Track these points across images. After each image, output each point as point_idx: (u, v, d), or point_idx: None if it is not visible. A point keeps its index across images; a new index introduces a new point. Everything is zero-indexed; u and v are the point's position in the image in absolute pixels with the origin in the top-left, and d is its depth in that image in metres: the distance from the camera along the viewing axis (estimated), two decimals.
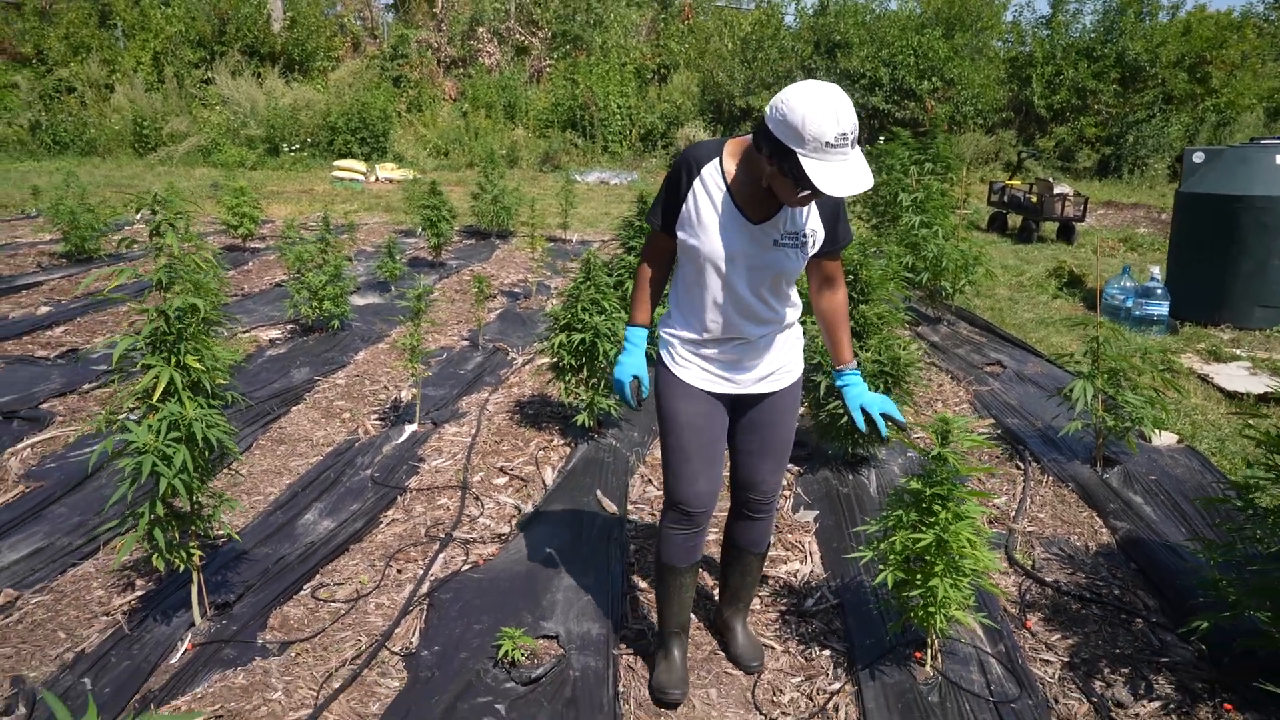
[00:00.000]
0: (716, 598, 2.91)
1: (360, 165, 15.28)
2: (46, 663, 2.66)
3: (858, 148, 2.01)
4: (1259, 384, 5.24)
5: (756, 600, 3.05)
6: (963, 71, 17.44)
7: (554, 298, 7.35)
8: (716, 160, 2.23)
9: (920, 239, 6.56)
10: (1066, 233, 10.52)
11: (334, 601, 3.01)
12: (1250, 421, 2.88)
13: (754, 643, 2.76)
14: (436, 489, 3.83)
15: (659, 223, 2.34)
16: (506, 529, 3.49)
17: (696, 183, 2.24)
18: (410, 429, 4.37)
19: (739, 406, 2.47)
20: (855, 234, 4.32)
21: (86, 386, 5.02)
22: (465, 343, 5.99)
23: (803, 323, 2.64)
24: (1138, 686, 2.63)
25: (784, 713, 2.52)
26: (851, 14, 18.17)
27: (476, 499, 3.73)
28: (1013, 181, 12.13)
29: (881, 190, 8.31)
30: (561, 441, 4.32)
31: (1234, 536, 2.67)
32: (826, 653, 2.78)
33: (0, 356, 5.49)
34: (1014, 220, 11.24)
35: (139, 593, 3.03)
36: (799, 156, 1.96)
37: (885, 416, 2.38)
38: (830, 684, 2.63)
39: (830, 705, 2.54)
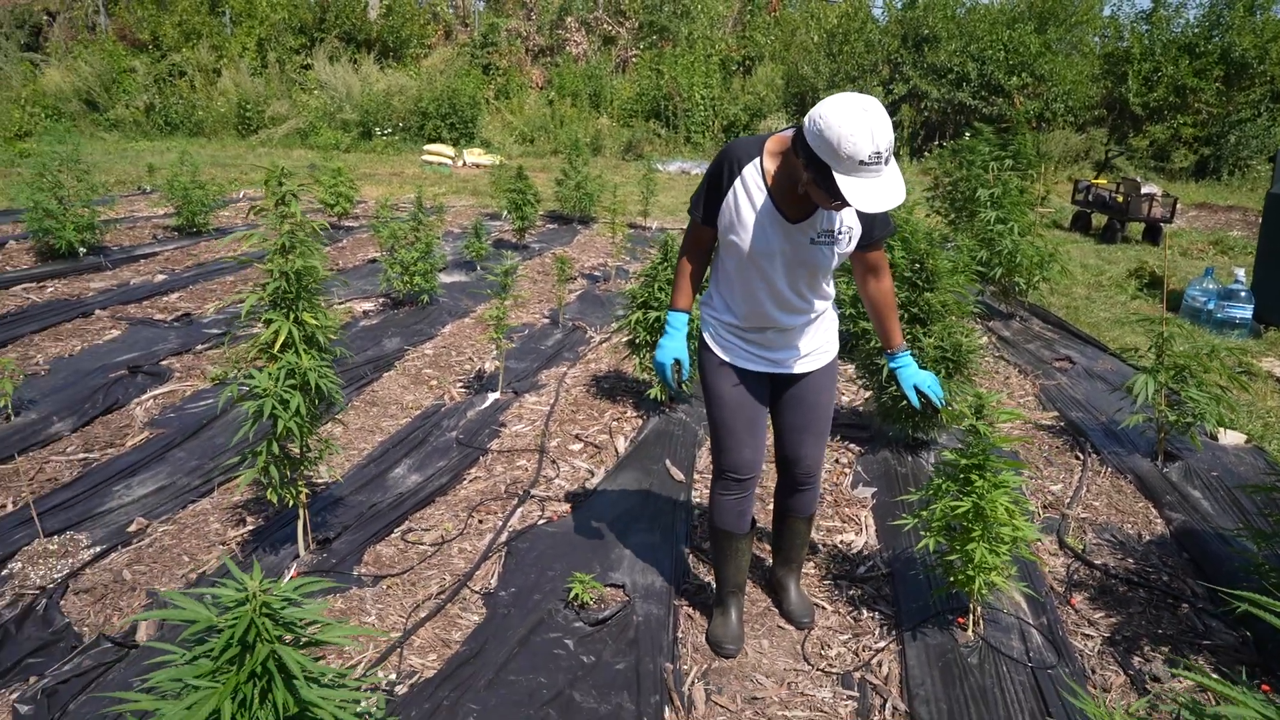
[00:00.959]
0: (770, 561, 3.11)
1: (449, 150, 15.79)
2: (174, 580, 3.02)
3: (893, 161, 2.07)
4: None
5: (810, 565, 3.24)
6: (1054, 67, 17.05)
7: (632, 281, 7.60)
8: (757, 160, 2.32)
9: (995, 234, 6.59)
10: (1153, 234, 10.30)
11: (421, 544, 3.31)
12: None
13: (805, 601, 2.95)
14: (516, 451, 4.12)
15: (700, 214, 2.46)
16: (580, 490, 3.75)
17: (738, 182, 2.33)
18: (493, 397, 4.67)
19: (778, 385, 2.62)
20: (929, 227, 4.43)
21: (200, 347, 5.47)
22: (546, 320, 6.28)
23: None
24: (1176, 664, 2.74)
25: (830, 665, 2.71)
26: (941, 7, 17.90)
27: (553, 462, 4.00)
28: (1099, 180, 11.88)
29: (960, 185, 8.32)
30: (634, 414, 4.56)
31: None
32: (874, 615, 2.95)
33: (124, 318, 5.99)
34: (1098, 220, 11.04)
35: (249, 528, 3.38)
36: (834, 172, 2.02)
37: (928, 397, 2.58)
38: (876, 642, 2.81)
39: (874, 661, 2.72)
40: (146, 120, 18.59)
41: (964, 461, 2.61)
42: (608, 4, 22.17)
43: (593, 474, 3.90)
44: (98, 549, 3.18)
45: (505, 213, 9.49)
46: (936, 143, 17.33)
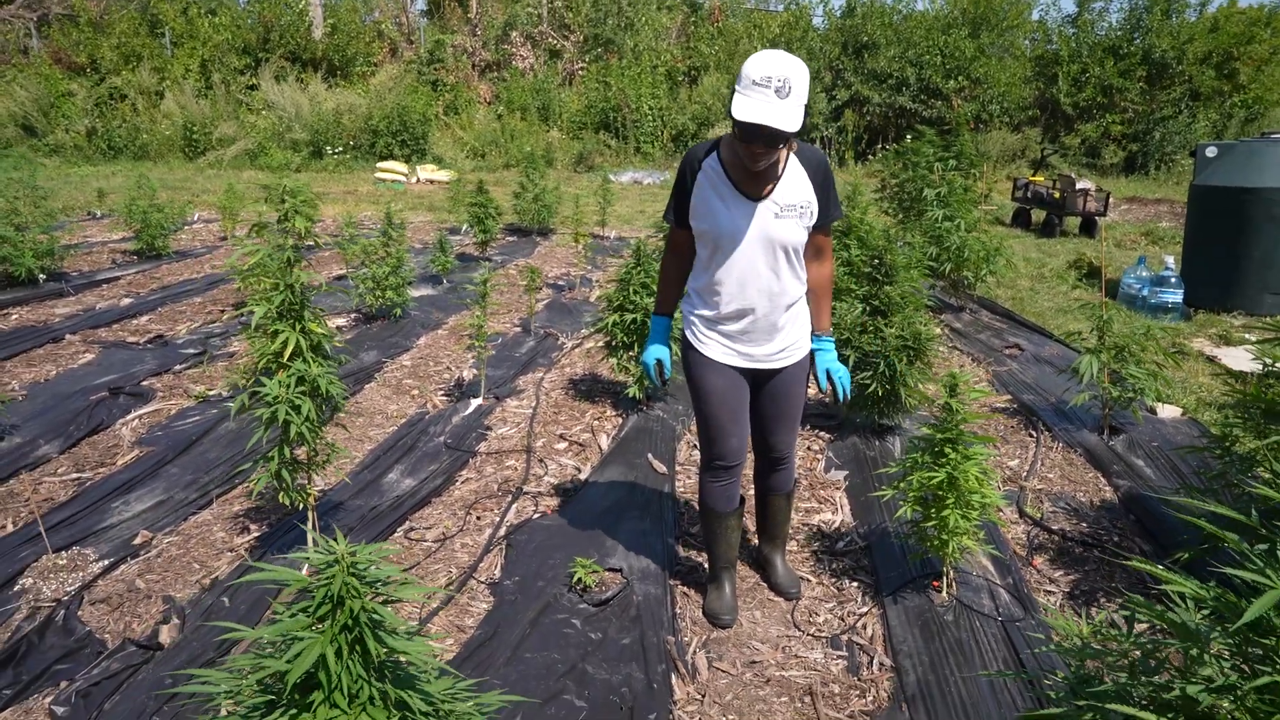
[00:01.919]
0: (755, 541, 3.31)
1: (402, 167, 15.83)
2: (188, 586, 3.13)
3: (791, 101, 2.25)
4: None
5: (793, 543, 3.46)
6: (989, 70, 17.68)
7: (596, 289, 7.78)
8: (714, 153, 2.56)
9: (943, 231, 6.91)
10: (1088, 227, 10.80)
11: (424, 541, 3.45)
12: (1229, 382, 3.23)
13: (791, 573, 3.16)
14: (504, 453, 4.28)
15: (673, 218, 2.67)
16: (570, 485, 3.93)
17: (700, 175, 2.56)
18: (476, 403, 4.82)
19: (757, 379, 2.78)
20: (881, 226, 4.68)
21: (178, 367, 5.52)
22: (518, 329, 6.45)
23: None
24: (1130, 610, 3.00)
25: (819, 630, 2.92)
26: (878, 15, 18.46)
27: (540, 461, 4.17)
28: (1036, 178, 12.39)
29: (907, 186, 8.67)
30: (614, 413, 4.75)
31: (1215, 482, 3.04)
32: (855, 584, 3.18)
33: (96, 342, 6.01)
34: (1038, 215, 11.52)
35: (254, 534, 3.49)
36: (732, 95, 2.31)
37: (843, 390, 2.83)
38: (859, 608, 3.04)
39: (859, 624, 2.94)
40: (88, 145, 18.30)
41: (939, 436, 2.85)
42: (552, 18, 22.39)
43: (580, 470, 4.08)
44: (107, 562, 3.27)
45: (465, 227, 9.62)
46: (880, 146, 17.85)
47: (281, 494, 3.04)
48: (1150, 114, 17.74)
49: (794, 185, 2.53)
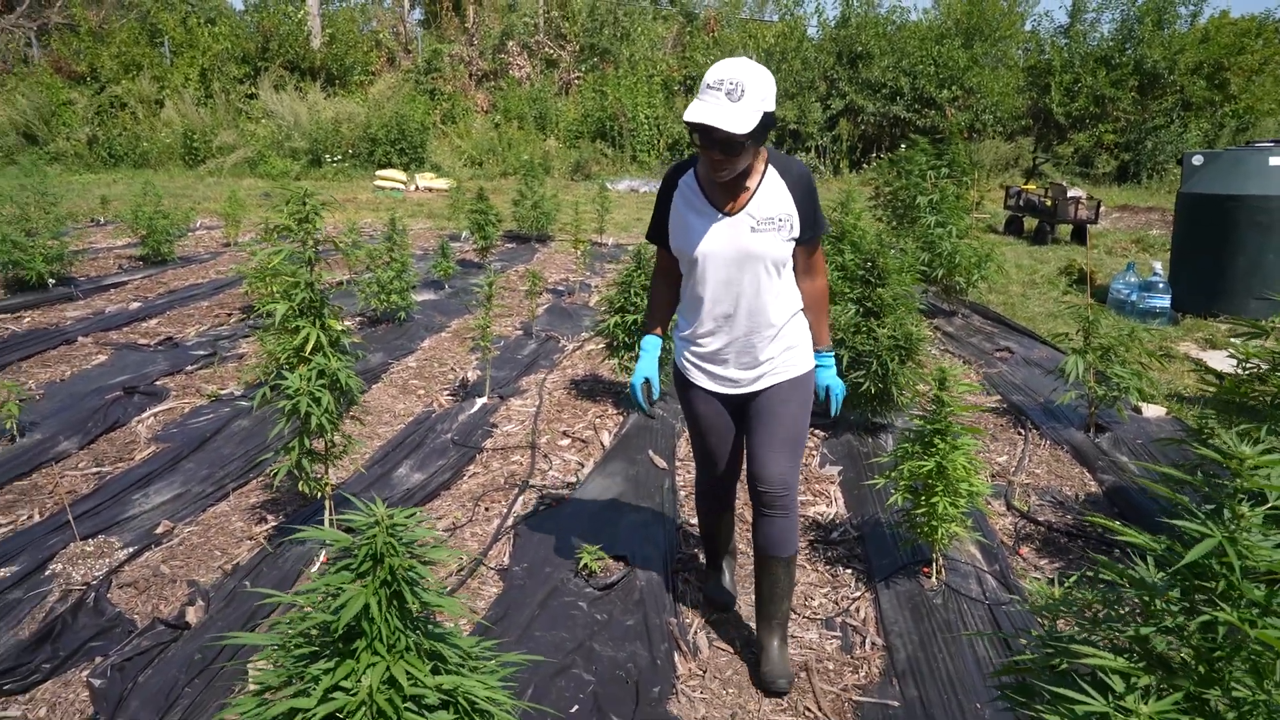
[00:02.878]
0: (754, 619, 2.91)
1: (401, 175, 16.00)
2: (210, 571, 3.27)
3: (739, 104, 2.21)
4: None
5: None
6: (982, 80, 17.91)
7: (595, 294, 7.93)
8: (691, 170, 2.51)
9: (936, 238, 7.08)
10: (1080, 235, 10.98)
11: (434, 531, 3.59)
12: (1205, 379, 3.39)
13: (784, 664, 2.66)
14: (509, 449, 4.42)
15: (655, 237, 2.62)
16: (573, 479, 4.07)
17: (676, 193, 2.51)
18: (481, 401, 4.96)
19: (743, 405, 2.66)
20: (875, 231, 4.83)
21: (189, 368, 5.66)
22: (520, 332, 6.59)
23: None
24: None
25: (814, 613, 3.07)
26: (873, 25, 18.69)
27: (545, 456, 4.32)
28: (1029, 186, 12.59)
29: (900, 194, 8.85)
30: (615, 411, 4.89)
31: (1191, 472, 3.19)
32: (849, 571, 3.32)
33: (108, 344, 6.15)
34: (1030, 223, 11.71)
35: (272, 524, 3.63)
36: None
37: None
38: (852, 593, 3.18)
39: (853, 607, 3.09)
40: (89, 153, 18.43)
41: (929, 427, 3.00)
42: (549, 28, 22.61)
43: (583, 465, 4.22)
44: (131, 549, 3.41)
45: (465, 233, 9.76)
46: (875, 155, 18.06)
47: (301, 483, 3.18)
48: (1142, 123, 17.98)
49: (771, 197, 2.44)
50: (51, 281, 7.59)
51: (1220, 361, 5.96)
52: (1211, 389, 3.28)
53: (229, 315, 7.10)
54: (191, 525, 3.65)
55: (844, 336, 4.42)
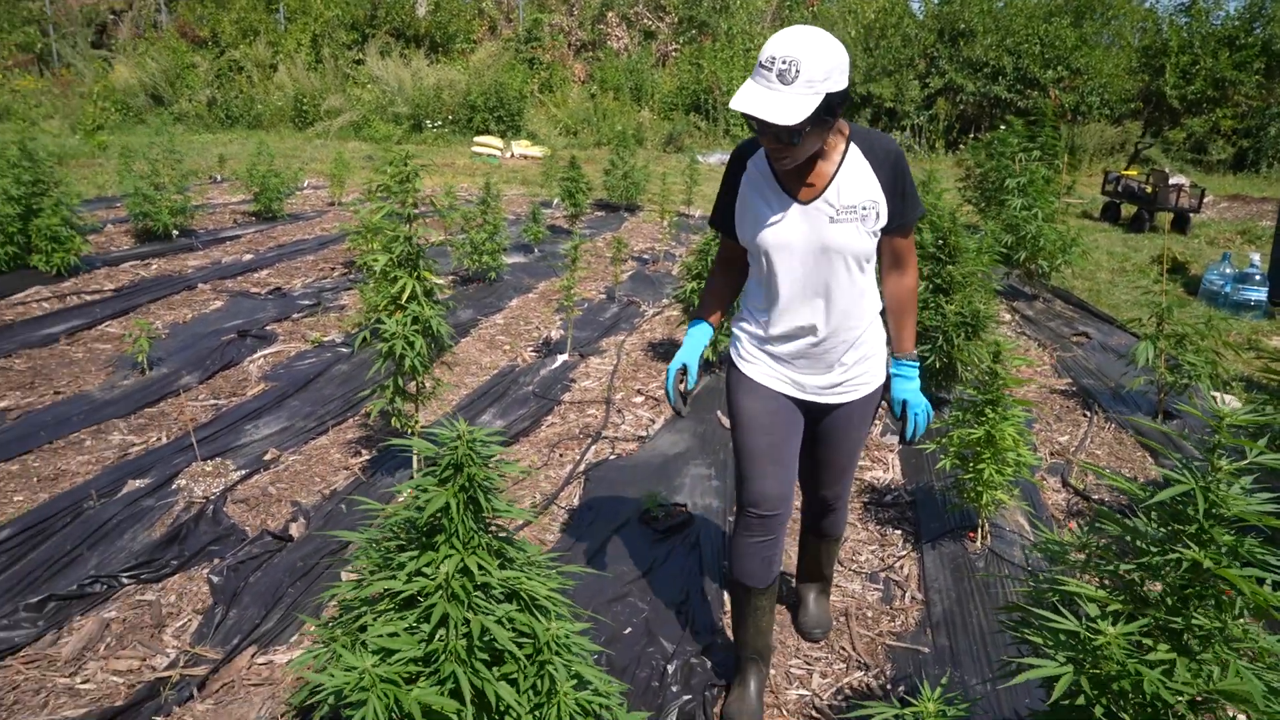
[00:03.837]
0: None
1: (497, 142, 16.43)
2: (311, 494, 3.64)
3: (791, 88, 1.91)
4: None
5: None
6: (1091, 61, 17.29)
7: (679, 264, 8.14)
8: (760, 150, 2.18)
9: (1021, 220, 7.04)
10: (1181, 223, 10.63)
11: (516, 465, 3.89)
12: (1270, 365, 3.40)
13: (824, 613, 2.80)
14: (586, 403, 4.70)
15: (719, 223, 2.30)
16: (644, 433, 4.32)
17: (744, 176, 2.19)
18: (562, 358, 5.25)
19: (809, 414, 2.36)
20: (949, 208, 4.90)
21: (296, 316, 6.11)
22: (603, 296, 6.86)
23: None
24: None
25: (859, 567, 3.25)
26: (978, 1, 18.20)
27: (618, 411, 4.58)
28: (1129, 172, 12.20)
29: (990, 175, 8.77)
30: None
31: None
32: (898, 532, 3.49)
33: (224, 291, 6.66)
34: (1127, 210, 11.38)
35: (365, 458, 3.99)
36: None
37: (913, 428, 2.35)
38: (899, 552, 3.35)
39: (897, 564, 3.26)
40: (208, 114, 19.44)
41: (981, 397, 3.13)
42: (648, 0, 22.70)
43: (654, 421, 4.47)
44: (244, 471, 3.81)
45: (557, 200, 10.06)
46: (972, 136, 17.66)
47: (394, 419, 3.50)
48: (1266, 109, 17.08)
49: (855, 182, 2.11)
50: (175, 233, 8.19)
51: None
52: (1275, 376, 3.31)
53: (332, 269, 7.56)
54: (295, 454, 4.03)
55: None
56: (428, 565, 1.76)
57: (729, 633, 2.79)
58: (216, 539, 3.26)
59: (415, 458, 3.71)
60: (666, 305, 6.61)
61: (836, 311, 2.18)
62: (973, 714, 2.42)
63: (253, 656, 2.63)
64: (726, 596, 3.01)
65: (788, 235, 2.13)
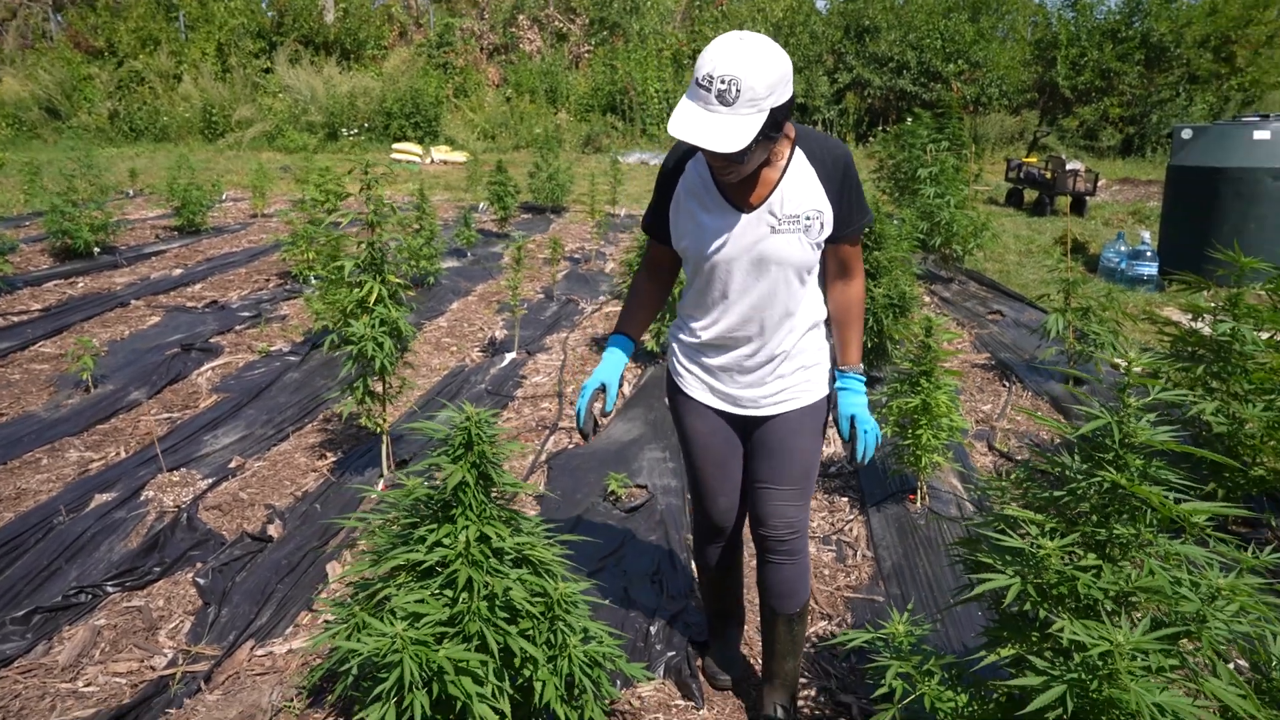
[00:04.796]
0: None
1: (416, 148, 16.37)
2: (283, 497, 3.73)
3: (731, 110, 1.79)
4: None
5: None
6: (988, 54, 18.14)
7: (610, 261, 8.35)
8: (699, 152, 2.06)
9: (935, 207, 7.46)
10: (1078, 206, 11.32)
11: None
12: (1163, 329, 3.80)
13: None
14: (538, 397, 4.87)
15: (651, 224, 2.18)
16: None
17: (681, 180, 2.08)
18: (510, 356, 5.40)
19: (748, 428, 2.24)
20: (871, 197, 5.20)
21: (238, 327, 6.11)
22: (541, 296, 7.02)
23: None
24: None
25: (813, 532, 3.51)
26: None
27: (571, 403, 4.76)
28: (1029, 159, 12.91)
29: (903, 166, 9.21)
30: (633, 364, 5.33)
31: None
32: (845, 499, 3.76)
33: (159, 307, 6.60)
34: (1030, 195, 12.05)
35: (332, 460, 4.08)
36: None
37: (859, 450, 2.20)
38: (847, 517, 3.62)
39: (846, 527, 3.53)
40: (110, 127, 18.82)
41: (916, 369, 3.42)
42: (559, 1, 22.83)
43: (606, 411, 4.65)
44: (211, 480, 3.86)
45: (483, 204, 10.16)
46: (881, 128, 18.34)
47: (364, 419, 3.62)
48: (1148, 97, 18.20)
49: (799, 190, 2.00)
50: (97, 250, 8.03)
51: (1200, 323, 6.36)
52: (1167, 340, 3.70)
53: (267, 280, 7.53)
54: (260, 461, 4.10)
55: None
56: (446, 536, 1.93)
57: (699, 596, 3.01)
58: (195, 544, 3.33)
59: (384, 456, 3.83)
60: (605, 302, 6.81)
61: (774, 322, 2.09)
62: (929, 638, 2.69)
63: (252, 649, 2.74)
64: (694, 565, 3.23)
65: (726, 245, 2.02)
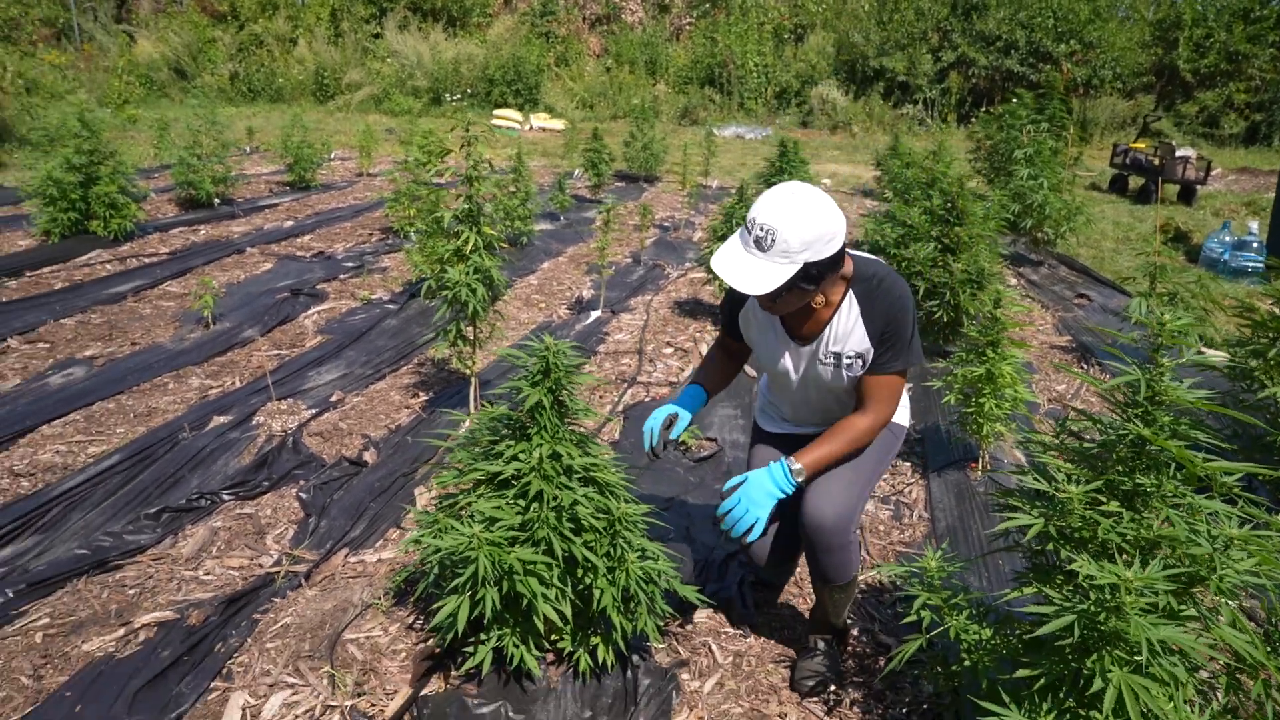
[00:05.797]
0: None
1: (516, 115, 16.73)
2: (378, 428, 4.04)
3: (766, 255, 1.97)
4: None
5: None
6: (1104, 34, 17.44)
7: (699, 231, 8.50)
8: None
9: (1028, 189, 7.35)
10: (1187, 195, 10.91)
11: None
12: (1245, 315, 3.76)
13: (821, 666, 2.44)
14: (620, 353, 5.09)
15: (725, 324, 2.44)
16: (675, 379, 4.71)
17: (747, 302, 2.32)
18: (595, 314, 5.64)
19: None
20: (957, 174, 5.21)
21: (342, 276, 6.50)
22: (629, 260, 7.23)
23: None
24: None
25: (872, 494, 3.63)
26: None
27: (650, 360, 4.97)
28: (1137, 144, 12.45)
29: (1000, 147, 9.06)
30: (712, 327, 5.50)
31: (1225, 399, 3.61)
32: (907, 464, 3.87)
33: (271, 254, 7.06)
34: (1135, 182, 11.65)
35: (423, 398, 4.39)
36: None
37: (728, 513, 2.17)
38: (907, 480, 3.73)
39: (905, 490, 3.64)
40: (230, 87, 19.78)
41: (983, 339, 3.50)
42: None
43: (683, 369, 4.85)
44: (314, 410, 4.21)
45: (578, 171, 10.40)
46: (984, 110, 17.86)
47: (455, 360, 3.90)
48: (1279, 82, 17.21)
49: (845, 332, 2.15)
50: (217, 201, 8.58)
51: None
52: (1248, 328, 3.67)
53: (370, 235, 7.95)
54: (358, 396, 4.44)
55: (922, 269, 4.89)
56: (522, 452, 2.16)
57: (763, 538, 3.18)
58: (299, 465, 3.67)
59: (472, 397, 4.10)
60: (690, 268, 6.97)
61: (836, 417, 2.32)
62: (965, 578, 2.80)
63: (346, 556, 3.04)
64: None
65: (785, 364, 2.28)
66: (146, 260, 6.65)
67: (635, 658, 2.42)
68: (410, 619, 2.68)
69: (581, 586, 2.19)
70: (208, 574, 2.93)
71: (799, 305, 2.10)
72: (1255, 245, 7.38)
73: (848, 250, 2.13)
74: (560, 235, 8.06)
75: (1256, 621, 2.55)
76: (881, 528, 3.35)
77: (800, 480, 2.14)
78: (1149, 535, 1.77)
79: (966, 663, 1.99)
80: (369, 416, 4.20)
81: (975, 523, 3.34)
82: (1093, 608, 1.66)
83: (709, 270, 5.46)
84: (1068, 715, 1.70)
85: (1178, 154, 10.74)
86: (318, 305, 5.82)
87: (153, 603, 2.76)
